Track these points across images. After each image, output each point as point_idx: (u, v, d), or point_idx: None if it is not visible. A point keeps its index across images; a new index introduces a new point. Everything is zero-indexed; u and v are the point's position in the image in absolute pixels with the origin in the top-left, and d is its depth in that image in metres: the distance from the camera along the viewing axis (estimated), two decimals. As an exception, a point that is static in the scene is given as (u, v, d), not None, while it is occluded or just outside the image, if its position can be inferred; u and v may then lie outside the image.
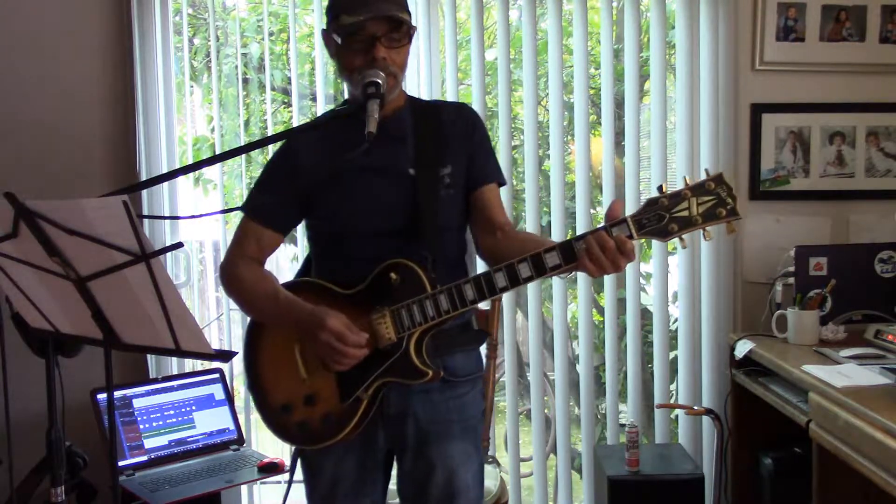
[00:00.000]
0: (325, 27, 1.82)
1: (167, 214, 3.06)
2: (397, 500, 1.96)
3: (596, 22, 3.44)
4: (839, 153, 3.10)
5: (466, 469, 1.86)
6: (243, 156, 3.16)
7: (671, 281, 3.23)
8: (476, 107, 3.11)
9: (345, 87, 1.90)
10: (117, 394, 2.66)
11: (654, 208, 1.55)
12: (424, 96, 3.00)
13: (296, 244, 3.58)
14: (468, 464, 1.87)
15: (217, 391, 2.87)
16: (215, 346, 2.77)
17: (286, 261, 4.11)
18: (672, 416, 3.40)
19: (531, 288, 3.15)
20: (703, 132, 3.06)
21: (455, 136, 1.86)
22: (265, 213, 1.87)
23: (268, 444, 2.86)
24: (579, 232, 3.07)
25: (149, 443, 2.69)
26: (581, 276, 3.12)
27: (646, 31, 3.39)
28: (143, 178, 2.96)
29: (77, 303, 1.57)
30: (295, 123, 3.33)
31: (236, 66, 3.58)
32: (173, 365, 3.08)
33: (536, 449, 3.26)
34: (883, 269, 2.83)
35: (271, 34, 4.11)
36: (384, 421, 1.85)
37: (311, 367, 1.80)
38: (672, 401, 3.35)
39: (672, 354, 3.30)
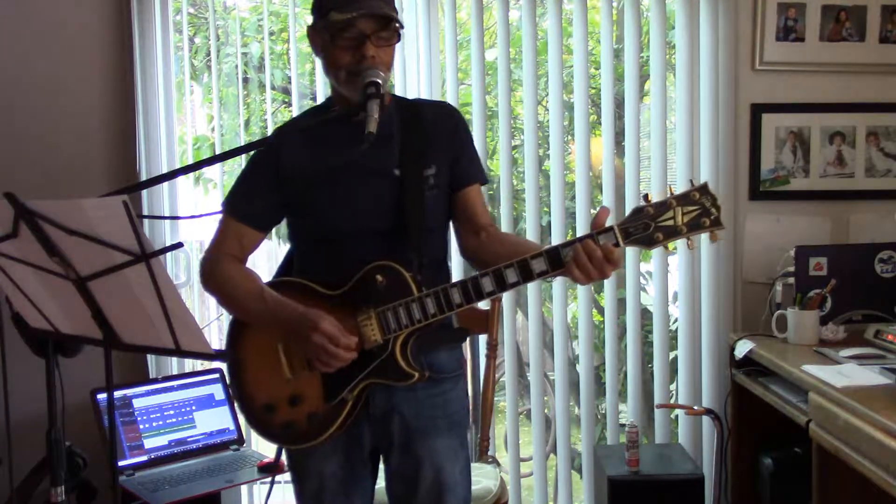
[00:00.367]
0: (310, 24, 1.81)
1: (167, 214, 3.05)
2: (386, 500, 1.95)
3: (596, 22, 3.43)
4: (839, 153, 3.10)
5: (454, 464, 1.86)
6: (243, 156, 3.15)
7: (671, 281, 3.23)
8: (476, 107, 3.11)
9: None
10: (117, 394, 2.66)
11: (640, 217, 1.58)
12: (424, 96, 3.00)
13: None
14: (455, 459, 1.87)
15: (217, 391, 2.87)
16: (215, 346, 2.78)
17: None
18: (672, 416, 3.40)
19: (531, 288, 3.15)
20: (703, 132, 3.06)
21: (437, 135, 1.85)
22: (247, 210, 1.85)
23: (268, 444, 2.84)
24: (580, 232, 3.10)
25: (149, 443, 2.69)
26: (581, 277, 3.12)
27: (646, 31, 3.39)
28: (144, 177, 2.95)
29: (77, 303, 1.57)
30: (295, 123, 3.32)
31: (237, 66, 3.58)
32: (173, 365, 3.08)
33: (536, 449, 3.26)
34: (883, 269, 2.83)
35: (272, 34, 4.11)
36: (369, 420, 1.85)
37: (295, 367, 1.79)
38: (672, 401, 3.35)
39: (672, 354, 3.30)
